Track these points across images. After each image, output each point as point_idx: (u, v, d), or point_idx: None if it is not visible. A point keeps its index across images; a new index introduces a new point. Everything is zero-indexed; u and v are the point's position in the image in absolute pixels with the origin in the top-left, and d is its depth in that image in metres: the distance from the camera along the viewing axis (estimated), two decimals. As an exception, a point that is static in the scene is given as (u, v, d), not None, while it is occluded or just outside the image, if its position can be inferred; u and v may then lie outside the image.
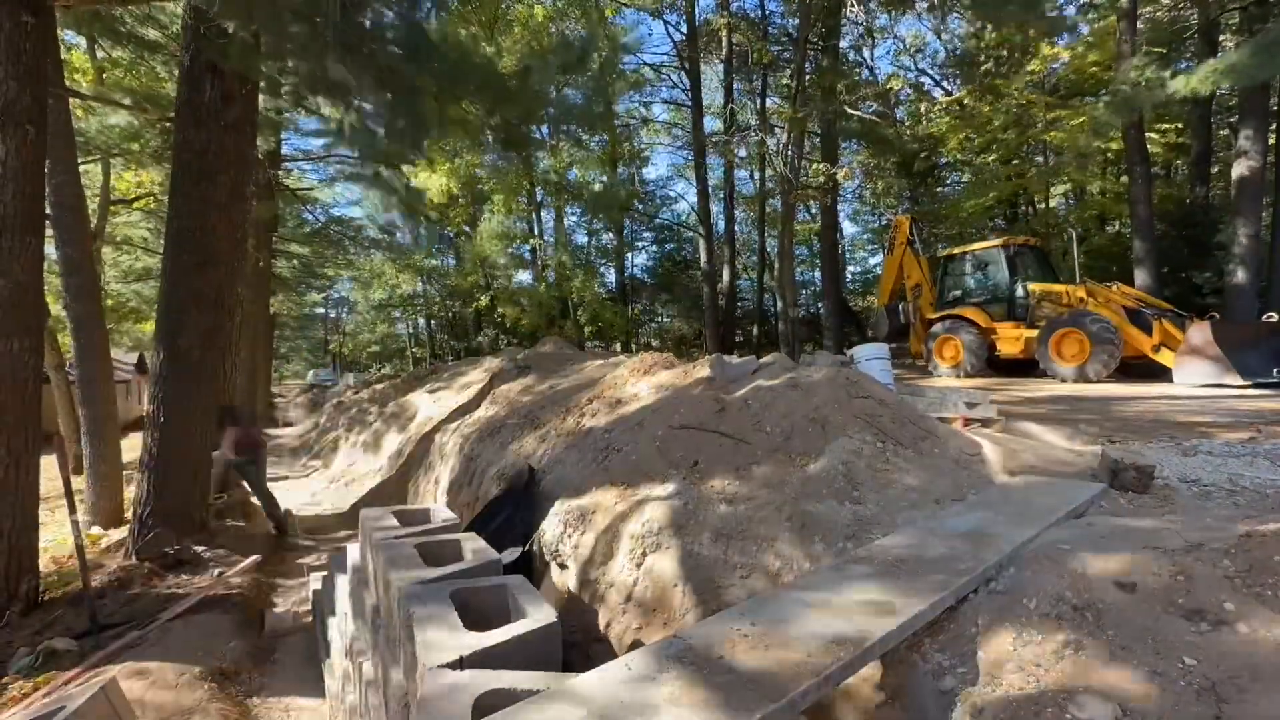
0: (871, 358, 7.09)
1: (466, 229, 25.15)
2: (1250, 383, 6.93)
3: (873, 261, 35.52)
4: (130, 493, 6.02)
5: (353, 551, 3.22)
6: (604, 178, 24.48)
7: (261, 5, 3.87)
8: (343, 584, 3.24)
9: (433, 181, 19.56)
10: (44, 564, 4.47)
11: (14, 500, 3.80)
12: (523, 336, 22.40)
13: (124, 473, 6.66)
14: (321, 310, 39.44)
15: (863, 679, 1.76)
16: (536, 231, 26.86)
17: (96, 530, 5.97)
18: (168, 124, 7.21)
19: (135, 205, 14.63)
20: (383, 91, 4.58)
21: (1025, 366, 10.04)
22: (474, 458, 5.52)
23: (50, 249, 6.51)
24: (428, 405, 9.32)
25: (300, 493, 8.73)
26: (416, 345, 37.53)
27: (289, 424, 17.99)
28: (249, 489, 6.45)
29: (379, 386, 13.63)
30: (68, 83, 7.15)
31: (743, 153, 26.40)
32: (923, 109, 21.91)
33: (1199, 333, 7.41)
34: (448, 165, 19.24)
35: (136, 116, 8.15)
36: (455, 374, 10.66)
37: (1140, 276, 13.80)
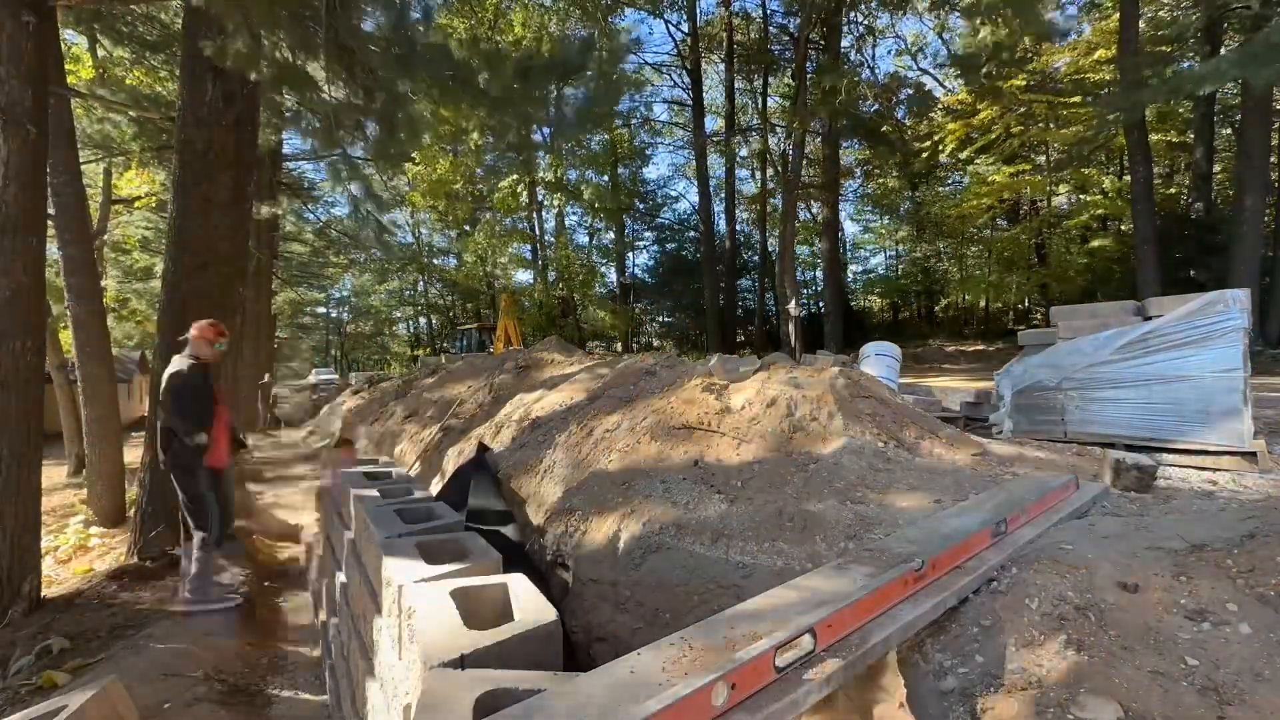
0: (878, 355, 7.06)
1: (466, 228, 25.19)
2: None
3: (874, 261, 35.52)
4: (132, 492, 6.04)
5: (347, 534, 3.23)
6: (605, 178, 24.54)
7: (258, 4, 3.88)
8: (343, 583, 3.25)
9: (431, 175, 19.59)
10: (46, 564, 4.49)
11: (16, 500, 3.81)
12: (523, 336, 22.45)
13: (125, 472, 6.67)
14: (323, 310, 39.54)
15: (863, 679, 1.76)
16: (537, 232, 26.87)
17: (98, 529, 5.99)
18: (169, 123, 7.23)
19: (137, 205, 14.66)
20: (375, 93, 4.59)
21: None
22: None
23: (52, 249, 6.52)
24: (430, 407, 9.32)
25: (301, 496, 8.73)
26: (418, 346, 37.63)
27: (289, 424, 17.99)
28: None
29: (383, 386, 13.62)
30: (69, 82, 7.17)
31: (744, 152, 26.41)
32: (924, 107, 21.92)
33: None
34: (447, 161, 19.29)
35: (138, 116, 8.17)
36: (457, 376, 10.67)
37: (1142, 276, 13.78)
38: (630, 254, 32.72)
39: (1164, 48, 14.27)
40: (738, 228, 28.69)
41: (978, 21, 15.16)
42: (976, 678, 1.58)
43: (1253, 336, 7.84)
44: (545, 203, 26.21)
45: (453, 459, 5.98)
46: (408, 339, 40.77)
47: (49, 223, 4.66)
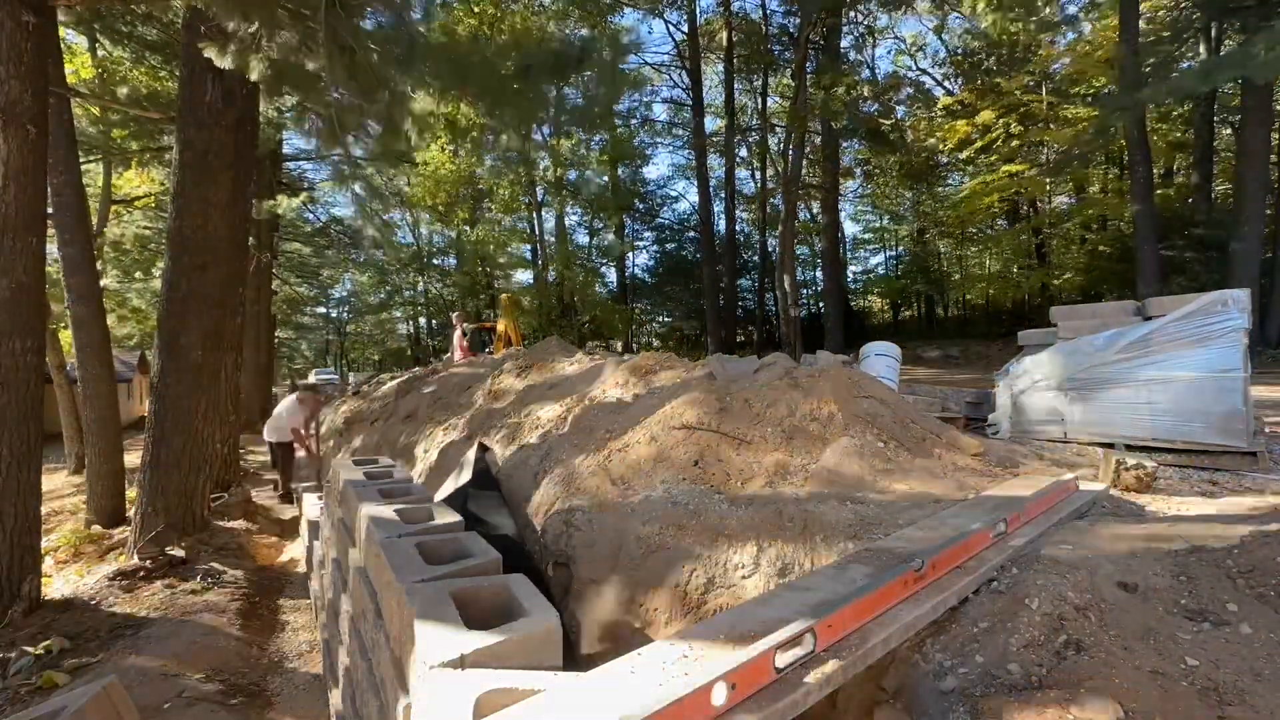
0: (878, 355, 7.08)
1: (466, 228, 25.18)
2: None
3: (874, 261, 35.49)
4: (132, 492, 6.04)
5: (353, 550, 3.21)
6: (604, 177, 24.53)
7: (258, 4, 3.88)
8: (342, 584, 3.24)
9: (431, 173, 19.61)
10: (46, 564, 4.48)
11: (16, 500, 3.81)
12: (523, 336, 22.46)
13: (125, 472, 6.67)
14: (322, 310, 39.53)
15: (863, 680, 1.76)
16: (537, 232, 26.85)
17: (98, 529, 5.98)
18: (169, 123, 7.23)
19: (137, 205, 14.67)
20: (376, 92, 4.59)
21: None
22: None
23: (52, 249, 6.51)
24: (430, 408, 9.31)
25: (306, 501, 8.71)
26: (416, 346, 37.58)
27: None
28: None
29: (384, 388, 13.60)
30: (69, 82, 7.16)
31: (744, 152, 26.41)
32: (924, 107, 21.90)
33: None
34: (448, 161, 19.31)
35: (138, 116, 8.17)
36: (458, 377, 10.66)
37: (1142, 276, 13.78)
38: (630, 254, 32.73)
39: (1163, 49, 14.26)
40: (738, 228, 28.68)
41: (980, 6, 15.05)
42: (976, 678, 1.58)
43: (1253, 336, 7.84)
44: (545, 202, 26.21)
45: (453, 459, 5.98)
46: (407, 338, 40.73)
47: (49, 223, 4.66)
